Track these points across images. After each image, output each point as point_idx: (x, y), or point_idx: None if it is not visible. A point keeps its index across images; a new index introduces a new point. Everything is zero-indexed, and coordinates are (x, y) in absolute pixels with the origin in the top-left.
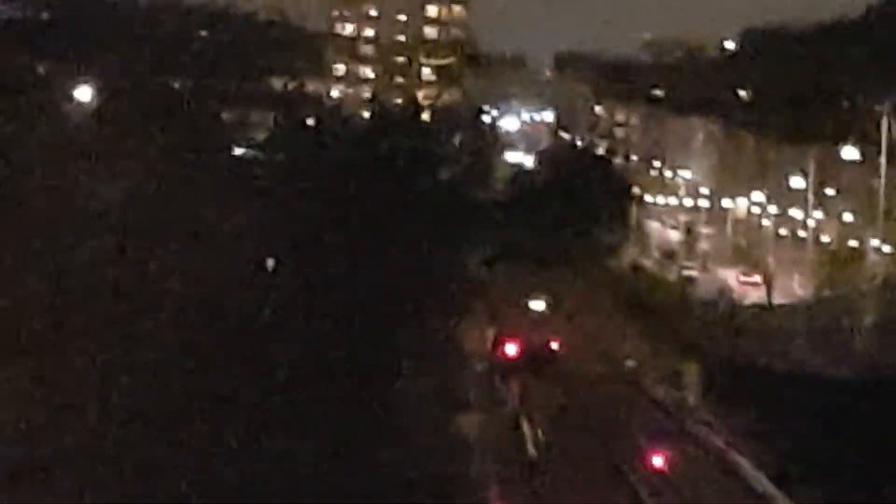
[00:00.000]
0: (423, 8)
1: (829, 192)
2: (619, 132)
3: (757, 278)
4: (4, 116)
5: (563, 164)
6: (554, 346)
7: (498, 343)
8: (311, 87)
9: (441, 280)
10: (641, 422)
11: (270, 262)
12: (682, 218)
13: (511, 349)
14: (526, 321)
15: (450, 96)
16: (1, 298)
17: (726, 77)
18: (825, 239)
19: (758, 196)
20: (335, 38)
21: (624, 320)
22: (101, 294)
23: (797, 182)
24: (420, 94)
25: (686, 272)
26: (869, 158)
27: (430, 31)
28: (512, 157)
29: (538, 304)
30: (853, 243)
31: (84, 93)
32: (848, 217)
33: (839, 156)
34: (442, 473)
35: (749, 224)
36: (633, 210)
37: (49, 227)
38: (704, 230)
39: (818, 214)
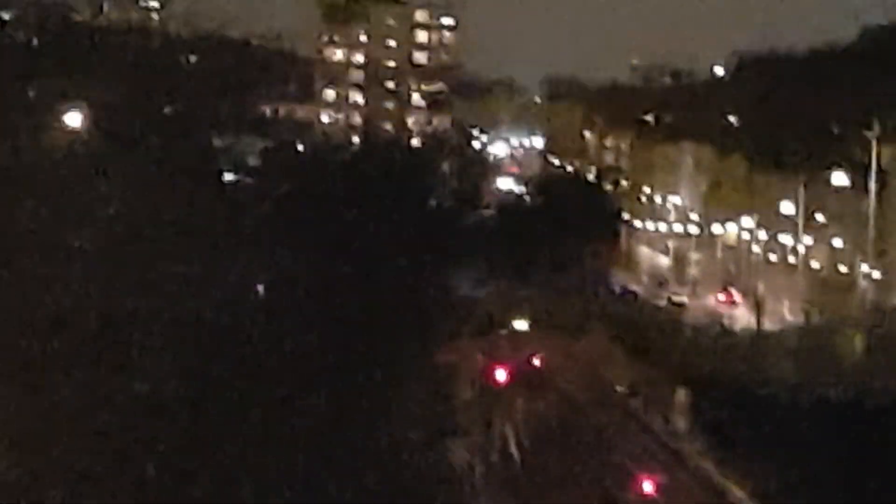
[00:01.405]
0: (412, 33)
1: (819, 217)
2: (609, 157)
3: (736, 297)
4: None
5: (552, 190)
6: (536, 361)
7: (487, 368)
8: (302, 112)
9: (430, 305)
10: (631, 447)
11: (260, 288)
12: (672, 243)
13: (500, 374)
14: (512, 344)
15: (439, 122)
16: None
17: (716, 102)
18: (815, 265)
19: (748, 222)
20: (325, 63)
21: (613, 346)
22: (88, 322)
23: (787, 208)
24: (410, 120)
25: (676, 298)
26: (859, 184)
27: (420, 57)
28: (501, 182)
29: (522, 325)
30: (843, 269)
31: (73, 118)
32: (838, 243)
33: (829, 181)
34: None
35: (739, 250)
36: (623, 235)
37: (37, 251)
38: (694, 256)
39: (808, 240)
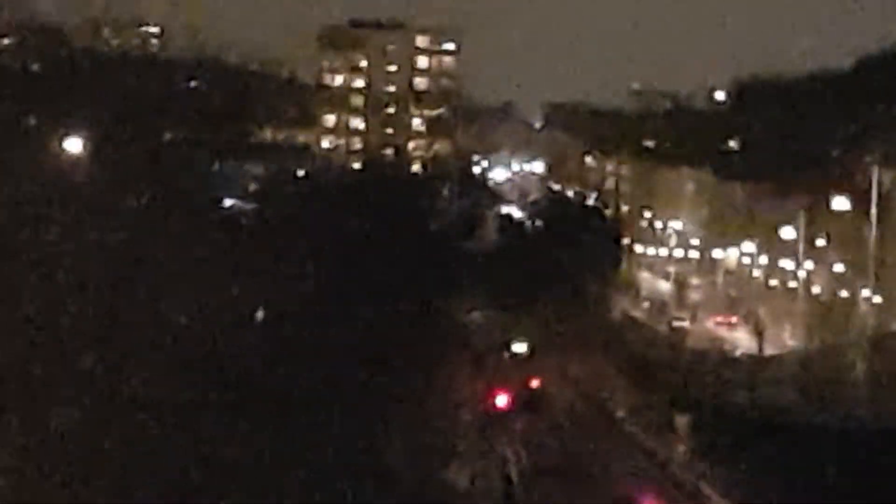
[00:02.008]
0: (413, 59)
1: (820, 242)
2: (609, 182)
3: (732, 319)
4: None
5: (553, 215)
6: (534, 384)
7: (488, 393)
8: (302, 137)
9: (429, 330)
10: (632, 472)
11: (260, 314)
12: (673, 268)
13: (501, 399)
14: (510, 367)
15: (440, 147)
16: None
17: (716, 127)
18: (816, 289)
19: (748, 246)
20: (325, 89)
21: (614, 371)
22: (88, 348)
23: (788, 232)
24: (410, 146)
25: (676, 323)
26: (859, 208)
27: (421, 83)
28: (502, 207)
29: (521, 348)
30: (844, 293)
31: (74, 144)
32: (839, 267)
33: (829, 206)
34: None
35: (740, 275)
36: (624, 260)
37: (36, 278)
38: (695, 281)
39: (809, 265)
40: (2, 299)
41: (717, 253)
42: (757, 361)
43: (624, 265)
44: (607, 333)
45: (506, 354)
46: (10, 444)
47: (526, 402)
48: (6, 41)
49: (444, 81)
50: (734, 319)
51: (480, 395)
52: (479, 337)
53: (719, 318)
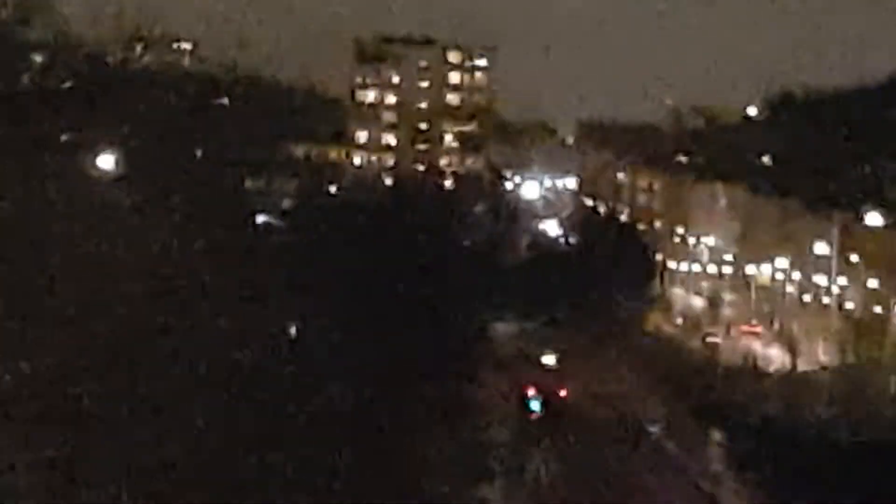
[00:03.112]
0: (445, 75)
1: (854, 258)
2: (642, 198)
3: (757, 329)
4: (28, 185)
5: (585, 231)
6: (562, 393)
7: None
8: (334, 153)
9: (464, 343)
10: (665, 487)
11: (293, 329)
12: (706, 284)
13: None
14: (540, 378)
15: (472, 163)
16: (21, 364)
17: (749, 143)
18: (849, 305)
19: (781, 262)
20: (358, 104)
21: (647, 385)
22: (121, 363)
23: (821, 248)
24: (443, 161)
25: (710, 338)
26: (893, 224)
27: (453, 98)
28: (535, 223)
29: (550, 360)
30: (877, 309)
31: (107, 160)
32: (872, 283)
33: (863, 221)
34: None
35: (773, 291)
36: (657, 276)
37: (71, 294)
38: (728, 296)
39: (842, 280)
40: (36, 314)
41: (750, 269)
42: (790, 377)
43: (656, 281)
44: (639, 348)
45: (536, 366)
46: (40, 455)
47: (555, 412)
48: (38, 58)
49: (477, 97)
50: (758, 329)
51: (511, 404)
52: (510, 350)
53: (744, 328)
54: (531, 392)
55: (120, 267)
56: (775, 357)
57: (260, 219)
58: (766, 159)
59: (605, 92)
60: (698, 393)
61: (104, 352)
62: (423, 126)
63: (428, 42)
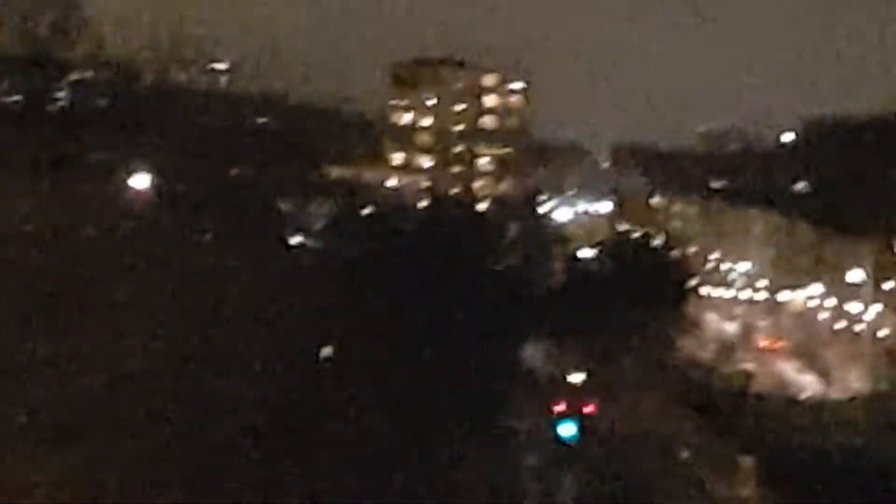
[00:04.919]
0: (480, 98)
1: (888, 285)
2: (677, 223)
3: (778, 345)
4: (61, 204)
5: (619, 256)
6: (588, 410)
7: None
8: (368, 175)
9: (495, 367)
10: None
11: (327, 351)
12: (739, 310)
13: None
14: (566, 397)
15: (507, 186)
16: (54, 386)
17: (784, 169)
18: (882, 333)
19: (815, 289)
20: (392, 126)
21: (678, 412)
22: (156, 382)
23: (855, 275)
24: (477, 184)
25: (742, 365)
26: None
27: (488, 121)
28: (568, 247)
29: (577, 378)
30: None
31: (141, 180)
32: None
33: None
34: None
35: (806, 318)
36: (690, 302)
37: (102, 312)
38: (761, 323)
39: (876, 308)
40: (70, 330)
41: (783, 295)
42: (823, 404)
43: (690, 306)
44: (671, 373)
45: (563, 384)
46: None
47: (581, 427)
48: (75, 77)
49: (511, 120)
50: (779, 345)
51: (541, 423)
52: (541, 371)
53: (765, 343)
54: (560, 408)
55: (153, 286)
56: (808, 384)
57: (293, 240)
58: (800, 186)
59: (641, 116)
60: (729, 418)
61: (133, 375)
62: (458, 149)
63: (463, 65)
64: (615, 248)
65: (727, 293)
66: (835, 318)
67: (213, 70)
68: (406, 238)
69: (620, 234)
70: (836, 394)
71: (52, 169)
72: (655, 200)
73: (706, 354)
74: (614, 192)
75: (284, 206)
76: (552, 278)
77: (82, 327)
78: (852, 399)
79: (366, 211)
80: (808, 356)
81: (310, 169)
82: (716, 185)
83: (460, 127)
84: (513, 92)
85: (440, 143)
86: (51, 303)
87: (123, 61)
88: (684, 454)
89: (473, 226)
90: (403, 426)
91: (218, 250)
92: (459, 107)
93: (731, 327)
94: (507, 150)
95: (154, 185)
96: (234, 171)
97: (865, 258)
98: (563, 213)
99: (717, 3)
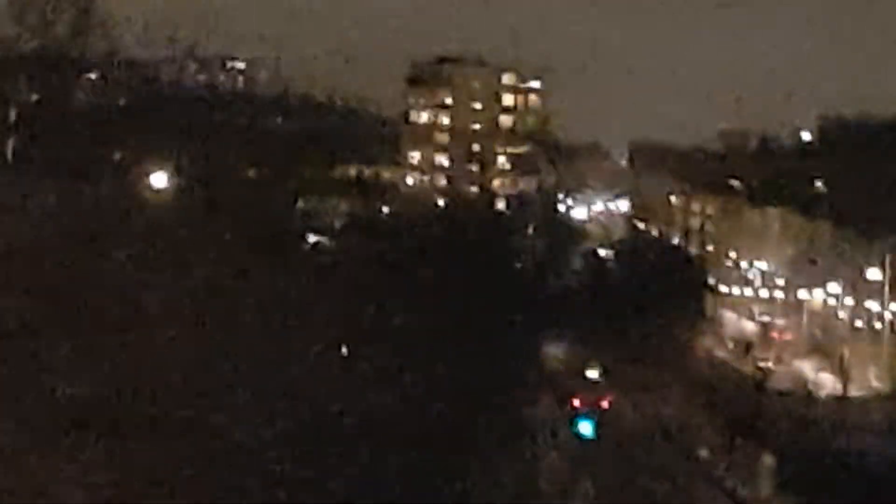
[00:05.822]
0: (498, 97)
1: None
2: (695, 222)
3: (787, 336)
4: (82, 203)
5: (637, 254)
6: (604, 403)
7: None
8: (387, 174)
9: (515, 367)
10: None
11: (345, 349)
12: (758, 309)
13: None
14: (583, 391)
15: (525, 185)
16: (73, 389)
17: (802, 167)
18: None
19: (834, 287)
20: (411, 125)
21: (697, 410)
22: (174, 381)
23: (874, 273)
24: (495, 183)
25: (761, 363)
26: None
27: (506, 120)
28: (586, 246)
29: (593, 374)
30: None
31: (159, 179)
32: None
33: None
34: None
35: (825, 316)
36: (709, 300)
37: (119, 313)
38: (780, 321)
39: (894, 306)
40: (84, 331)
41: (802, 293)
42: (842, 403)
43: (708, 305)
44: (690, 372)
45: (582, 381)
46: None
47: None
48: (92, 76)
49: (530, 119)
50: (788, 337)
51: (560, 421)
52: (560, 371)
53: (774, 334)
54: (577, 402)
55: (171, 285)
56: (827, 382)
57: (312, 238)
58: (819, 184)
59: (659, 114)
60: (748, 417)
61: (152, 376)
62: (476, 147)
63: (482, 64)
64: (633, 246)
65: (746, 291)
66: (853, 317)
67: (231, 69)
68: (424, 236)
69: (638, 232)
70: (855, 391)
71: (71, 169)
72: (673, 199)
73: (724, 352)
74: (632, 191)
75: (303, 204)
76: (569, 276)
77: (102, 328)
78: (871, 397)
79: (384, 209)
80: (826, 354)
81: (328, 168)
82: (734, 183)
83: (478, 126)
84: (531, 91)
85: (458, 141)
86: (71, 302)
87: (141, 60)
88: (703, 453)
89: (491, 224)
90: (422, 423)
91: (236, 249)
92: (478, 106)
93: (749, 325)
94: (525, 148)
95: (172, 185)
96: (252, 170)
97: (884, 257)
98: (580, 211)
99: (736, 4)
